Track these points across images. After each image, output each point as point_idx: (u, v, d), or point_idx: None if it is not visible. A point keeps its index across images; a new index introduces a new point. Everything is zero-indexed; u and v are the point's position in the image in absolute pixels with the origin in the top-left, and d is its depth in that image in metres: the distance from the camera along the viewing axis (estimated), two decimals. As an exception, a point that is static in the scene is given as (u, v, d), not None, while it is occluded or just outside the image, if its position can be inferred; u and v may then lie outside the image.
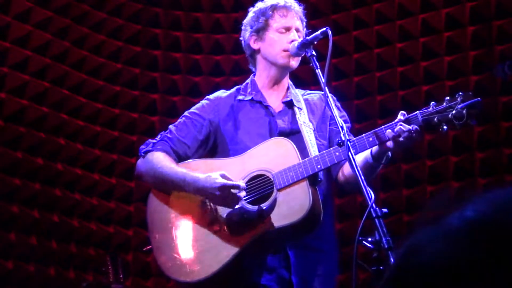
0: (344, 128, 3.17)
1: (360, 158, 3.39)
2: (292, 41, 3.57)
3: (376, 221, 2.92)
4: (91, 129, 5.76)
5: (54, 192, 5.51)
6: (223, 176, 3.40)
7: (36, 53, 5.43)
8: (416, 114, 3.29)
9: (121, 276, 4.27)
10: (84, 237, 5.66)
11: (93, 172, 5.76)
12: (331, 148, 3.37)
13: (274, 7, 3.66)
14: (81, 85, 5.70)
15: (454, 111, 3.21)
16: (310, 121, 3.64)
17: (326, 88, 3.27)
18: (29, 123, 5.36)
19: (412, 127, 3.22)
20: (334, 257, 3.70)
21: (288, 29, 3.63)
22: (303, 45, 3.44)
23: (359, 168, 3.09)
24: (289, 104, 3.67)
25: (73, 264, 5.59)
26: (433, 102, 3.28)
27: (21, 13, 5.35)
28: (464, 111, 3.19)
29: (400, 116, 3.30)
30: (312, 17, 6.05)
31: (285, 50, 3.59)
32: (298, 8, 3.68)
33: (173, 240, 3.56)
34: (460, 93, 3.23)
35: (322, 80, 3.29)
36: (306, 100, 3.72)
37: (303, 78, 5.94)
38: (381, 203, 5.42)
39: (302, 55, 3.52)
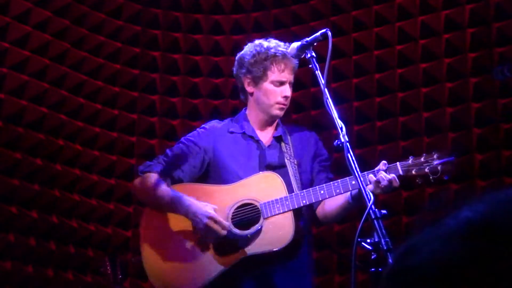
0: (344, 129, 3.19)
1: (340, 198, 3.76)
2: (285, 96, 3.88)
3: (375, 222, 2.94)
4: (90, 130, 5.75)
5: (53, 193, 5.50)
6: (214, 210, 3.75)
7: (35, 53, 5.42)
8: (395, 164, 3.62)
9: (120, 277, 4.27)
10: (83, 238, 5.66)
11: (92, 173, 5.76)
12: (317, 186, 3.73)
13: (273, 59, 3.88)
14: (80, 86, 5.69)
15: (429, 167, 3.58)
16: (295, 157, 3.95)
17: (326, 89, 3.28)
18: (28, 124, 5.36)
19: (392, 177, 3.52)
20: (310, 279, 4.02)
21: (283, 83, 3.88)
22: (303, 47, 3.46)
23: (358, 170, 3.11)
24: (278, 139, 3.99)
25: (72, 265, 5.58)
26: (411, 156, 3.64)
27: (20, 14, 5.35)
28: (439, 167, 3.56)
29: (381, 166, 3.60)
30: (312, 19, 6.06)
31: (278, 103, 3.90)
32: (294, 62, 3.88)
33: (163, 256, 3.86)
34: (436, 151, 3.64)
35: (322, 81, 3.31)
36: (292, 137, 4.03)
37: (303, 80, 5.95)
38: (380, 204, 5.42)
39: (301, 57, 3.54)
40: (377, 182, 3.51)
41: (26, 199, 5.35)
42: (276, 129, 4.02)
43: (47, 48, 5.49)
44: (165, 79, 6.15)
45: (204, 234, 3.76)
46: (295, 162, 3.93)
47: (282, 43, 3.92)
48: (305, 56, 3.46)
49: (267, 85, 3.88)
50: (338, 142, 3.18)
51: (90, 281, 5.61)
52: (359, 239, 2.95)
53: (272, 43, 3.92)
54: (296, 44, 3.49)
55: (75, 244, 5.62)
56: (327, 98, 3.27)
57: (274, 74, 3.87)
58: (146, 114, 6.08)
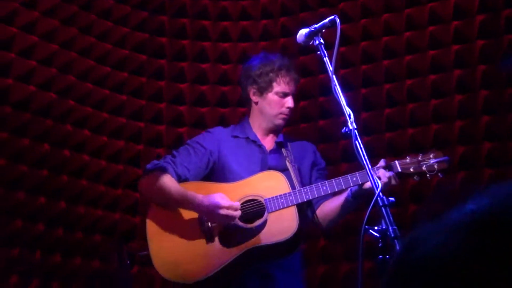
0: (352, 116, 3.19)
1: (340, 197, 3.98)
2: (289, 107, 4.14)
3: (383, 209, 2.94)
4: (98, 116, 5.76)
5: (61, 178, 5.51)
6: (221, 197, 3.87)
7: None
8: (394, 162, 3.85)
9: (127, 263, 4.28)
10: (90, 224, 5.68)
11: (100, 159, 5.77)
12: (319, 183, 3.92)
13: (279, 72, 4.14)
14: (88, 72, 5.69)
15: (426, 165, 3.84)
16: (295, 162, 4.17)
17: (334, 76, 3.28)
18: (36, 110, 5.36)
19: (391, 174, 3.77)
20: (302, 272, 4.20)
21: (286, 94, 4.14)
22: (311, 34, 3.45)
23: (365, 157, 3.11)
24: (280, 144, 4.22)
25: (79, 251, 5.60)
26: (408, 156, 3.89)
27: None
28: (436, 166, 3.84)
29: (381, 163, 3.83)
30: (320, 6, 6.05)
31: (281, 113, 4.16)
32: (297, 77, 4.21)
33: (170, 248, 3.95)
34: (432, 150, 3.93)
35: (330, 68, 3.31)
36: (291, 145, 4.27)
37: (310, 68, 5.94)
38: (387, 192, 5.41)
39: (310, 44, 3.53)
40: (378, 178, 3.56)
41: (34, 185, 5.36)
42: (277, 136, 4.25)
43: (55, 34, 5.49)
44: (172, 87, 6.14)
45: (211, 229, 3.91)
46: (296, 167, 4.14)
47: (287, 57, 4.24)
48: (313, 43, 3.45)
49: (271, 95, 4.14)
50: (346, 129, 3.18)
51: (98, 267, 5.63)
52: (366, 227, 2.95)
53: (278, 56, 4.20)
54: (304, 31, 3.48)
55: (82, 230, 5.63)
56: (335, 85, 3.26)
57: (279, 85, 4.12)
58: (154, 100, 6.08)
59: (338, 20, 3.34)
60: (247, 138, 4.21)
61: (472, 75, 5.46)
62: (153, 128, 6.02)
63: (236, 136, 4.22)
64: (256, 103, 4.21)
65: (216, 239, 3.91)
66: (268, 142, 4.23)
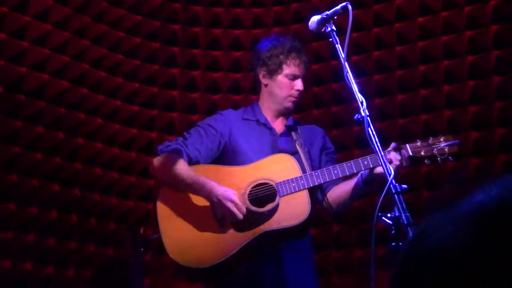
0: (364, 103, 3.18)
1: (350, 182, 3.98)
2: (298, 90, 4.11)
3: (396, 197, 2.93)
4: (111, 104, 5.77)
5: (74, 166, 5.54)
6: (233, 193, 3.87)
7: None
8: (405, 146, 3.83)
9: (141, 250, 4.30)
10: (104, 211, 5.70)
11: (113, 146, 5.78)
12: (330, 166, 3.91)
13: (289, 54, 4.13)
14: (101, 59, 5.70)
15: (437, 148, 3.82)
16: (305, 145, 4.16)
17: (346, 63, 3.27)
18: (49, 98, 5.38)
19: (403, 155, 3.78)
20: (312, 256, 4.21)
21: (296, 77, 4.12)
22: (323, 21, 3.44)
23: (378, 144, 3.11)
24: (290, 128, 4.21)
25: (94, 238, 5.63)
26: (418, 139, 3.87)
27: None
28: (446, 149, 3.83)
29: (392, 146, 3.81)
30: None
31: (291, 96, 4.14)
32: (307, 60, 4.19)
33: (182, 230, 3.95)
34: (442, 134, 3.90)
35: (342, 55, 3.31)
36: (300, 128, 4.26)
37: (323, 54, 5.92)
38: (400, 178, 5.40)
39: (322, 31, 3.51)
40: (389, 161, 3.66)
41: (48, 172, 5.39)
42: (287, 119, 4.23)
43: (68, 22, 5.50)
44: (185, 74, 6.14)
45: (224, 216, 3.89)
46: (306, 150, 4.13)
47: (297, 40, 4.22)
48: (325, 29, 3.44)
49: (281, 78, 4.12)
50: (359, 116, 3.18)
51: (112, 254, 5.66)
52: (379, 214, 2.95)
53: (288, 39, 4.19)
54: (316, 18, 3.47)
55: (96, 217, 5.66)
56: (347, 72, 3.26)
57: (289, 68, 4.10)
58: (167, 88, 6.08)
59: (350, 7, 3.32)
60: (257, 121, 4.20)
61: (486, 60, 5.44)
62: (166, 116, 6.03)
63: (246, 119, 4.22)
64: (266, 85, 4.19)
65: (228, 223, 3.90)
66: (278, 125, 4.21)
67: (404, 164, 3.79)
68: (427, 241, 1.03)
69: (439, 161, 3.83)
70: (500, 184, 1.03)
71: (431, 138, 3.85)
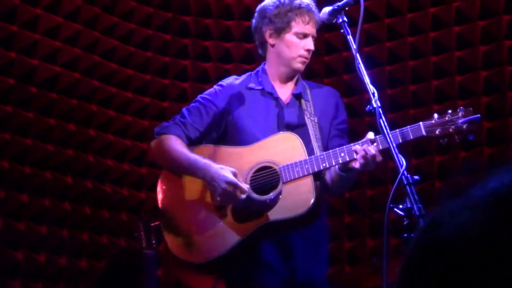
0: (376, 94, 3.16)
1: (332, 174, 3.66)
2: (308, 49, 3.77)
3: (407, 188, 2.92)
4: (122, 96, 5.78)
5: (86, 158, 5.55)
6: (233, 173, 3.58)
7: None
8: (418, 125, 3.44)
9: (154, 241, 4.30)
10: (116, 203, 5.71)
11: (125, 138, 5.79)
12: (337, 149, 3.54)
13: (297, 11, 3.78)
14: (112, 51, 5.71)
15: (454, 126, 3.37)
16: (315, 114, 3.81)
17: (358, 54, 3.26)
18: (61, 90, 5.39)
19: (374, 151, 3.39)
20: (326, 244, 3.94)
21: (306, 36, 3.79)
22: (334, 12, 3.42)
23: (390, 136, 3.10)
24: (298, 96, 3.84)
25: (106, 229, 5.65)
26: (435, 114, 3.41)
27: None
28: (465, 126, 3.37)
29: (367, 136, 3.46)
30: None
31: (300, 56, 3.79)
32: (318, 16, 3.75)
33: (182, 221, 3.77)
34: (462, 107, 3.46)
35: (354, 46, 3.29)
36: (312, 93, 3.89)
37: (334, 45, 5.91)
38: (413, 169, 5.40)
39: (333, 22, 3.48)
40: (354, 152, 3.45)
41: (61, 164, 5.40)
42: (296, 84, 3.90)
43: (78, 14, 5.50)
44: (196, 66, 6.12)
45: (222, 199, 3.64)
46: (315, 121, 3.80)
47: None
48: (336, 20, 3.41)
49: (290, 36, 3.78)
50: (370, 108, 3.15)
51: (124, 246, 5.67)
52: (391, 205, 2.94)
53: None
54: (327, 9, 3.45)
55: (109, 209, 5.67)
56: (359, 63, 3.23)
57: (298, 25, 3.77)
58: (178, 79, 6.09)
59: (361, -3, 3.31)
60: (263, 90, 3.86)
61: (499, 50, 5.42)
62: (177, 107, 6.02)
63: (250, 88, 3.88)
64: (273, 45, 3.84)
65: (229, 213, 3.67)
66: (285, 93, 3.87)
67: (371, 161, 3.41)
68: (441, 229, 1.02)
69: (457, 140, 3.41)
70: (511, 171, 1.03)
71: (449, 112, 3.42)
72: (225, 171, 3.59)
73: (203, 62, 6.15)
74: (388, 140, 3.09)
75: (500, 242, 0.96)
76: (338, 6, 3.40)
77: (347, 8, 3.40)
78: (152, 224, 4.12)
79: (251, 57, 6.12)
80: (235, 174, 3.60)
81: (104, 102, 5.66)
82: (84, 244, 5.51)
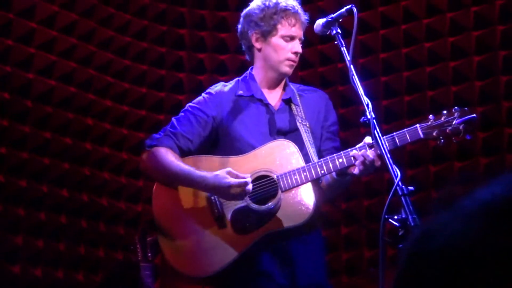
0: (370, 106, 3.16)
1: (329, 179, 3.61)
2: (296, 52, 3.71)
3: (402, 199, 2.92)
4: (118, 109, 5.78)
5: (83, 171, 5.55)
6: (229, 173, 3.51)
7: (62, 33, 5.44)
8: (415, 127, 3.39)
9: (150, 254, 4.30)
10: (113, 216, 5.71)
11: (121, 151, 5.80)
12: (335, 155, 3.49)
13: (284, 13, 3.72)
14: (108, 65, 5.72)
15: (451, 127, 3.34)
16: (307, 119, 3.76)
17: (352, 66, 3.26)
18: (57, 103, 5.40)
19: (372, 156, 3.35)
20: (324, 248, 3.87)
21: (293, 38, 3.73)
22: (328, 24, 3.42)
23: (385, 147, 3.10)
24: (287, 101, 3.81)
25: (103, 242, 5.64)
26: (431, 116, 3.37)
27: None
28: (461, 127, 3.33)
29: (365, 140, 3.42)
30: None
31: (288, 59, 3.73)
32: (304, 18, 3.75)
33: (180, 234, 3.69)
34: (457, 108, 3.38)
35: (348, 58, 3.28)
36: (301, 97, 3.84)
37: (329, 56, 5.92)
38: (408, 179, 5.40)
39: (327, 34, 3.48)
40: (353, 158, 3.43)
41: (56, 178, 5.40)
42: (284, 89, 3.85)
43: (74, 27, 5.52)
44: (192, 78, 6.14)
45: (222, 214, 3.59)
46: (307, 125, 3.76)
47: None
48: (330, 32, 3.41)
49: (276, 40, 3.73)
50: (365, 119, 3.15)
51: (121, 259, 5.67)
52: (386, 216, 2.93)
53: None
54: (321, 21, 3.44)
55: (105, 222, 5.67)
56: (353, 75, 3.23)
57: (285, 28, 3.71)
58: (174, 92, 6.10)
59: (355, 10, 3.31)
60: (252, 96, 3.79)
61: (493, 60, 5.43)
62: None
63: (240, 95, 3.80)
64: (260, 49, 3.79)
65: (229, 224, 3.59)
66: (275, 98, 3.81)
67: (370, 166, 3.39)
68: (434, 240, 1.02)
69: (454, 141, 3.39)
70: (502, 182, 1.03)
71: (445, 113, 3.37)
72: (222, 177, 3.51)
73: (199, 74, 6.16)
74: (383, 150, 3.09)
75: (492, 252, 0.97)
76: (332, 18, 3.40)
77: (341, 20, 3.40)
78: (149, 239, 4.11)
79: (246, 69, 6.12)
80: (231, 173, 3.53)
81: (100, 116, 5.67)
82: (81, 257, 5.51)
